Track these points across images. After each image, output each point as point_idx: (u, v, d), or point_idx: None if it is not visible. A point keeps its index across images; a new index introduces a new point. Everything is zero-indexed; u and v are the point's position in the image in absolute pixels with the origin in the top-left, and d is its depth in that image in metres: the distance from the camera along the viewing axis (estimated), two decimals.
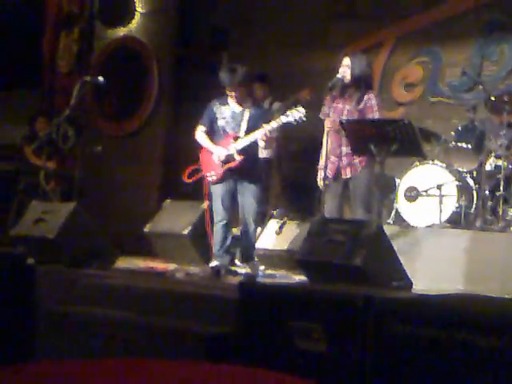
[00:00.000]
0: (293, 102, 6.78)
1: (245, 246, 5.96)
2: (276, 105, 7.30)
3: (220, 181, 5.84)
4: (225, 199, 5.83)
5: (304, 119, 5.55)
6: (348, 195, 5.70)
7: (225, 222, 5.85)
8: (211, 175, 5.83)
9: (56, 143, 8.20)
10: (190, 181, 6.03)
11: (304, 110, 5.57)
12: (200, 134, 5.96)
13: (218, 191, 5.87)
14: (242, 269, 5.97)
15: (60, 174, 8.35)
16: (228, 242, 5.85)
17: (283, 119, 5.60)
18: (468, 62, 7.71)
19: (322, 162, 5.64)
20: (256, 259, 6.04)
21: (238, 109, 5.85)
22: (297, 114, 5.55)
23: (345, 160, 5.61)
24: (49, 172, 7.92)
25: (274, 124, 5.64)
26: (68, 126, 8.38)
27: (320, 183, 5.61)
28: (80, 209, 5.91)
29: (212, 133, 5.93)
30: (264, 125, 5.67)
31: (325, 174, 5.52)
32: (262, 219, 6.83)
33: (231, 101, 5.87)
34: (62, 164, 8.45)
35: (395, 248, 4.93)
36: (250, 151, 5.79)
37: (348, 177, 5.61)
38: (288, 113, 5.59)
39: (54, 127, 7.44)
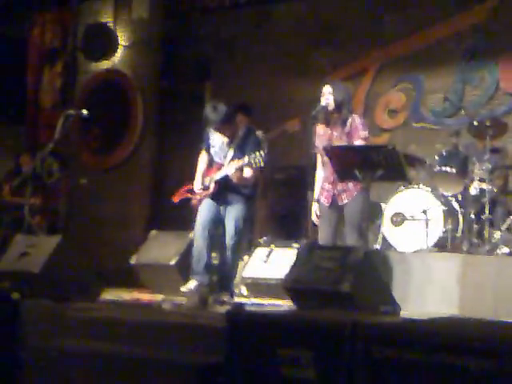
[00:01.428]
0: (280, 131, 6.78)
1: (221, 274, 5.85)
2: (259, 133, 7.30)
3: (200, 203, 5.82)
4: (205, 219, 5.76)
5: (261, 164, 5.52)
6: (342, 222, 5.68)
7: (202, 238, 5.75)
8: (195, 198, 5.85)
9: (41, 178, 8.17)
10: (177, 200, 6.00)
11: (263, 154, 5.53)
12: (200, 159, 5.98)
13: (201, 212, 5.80)
14: (225, 297, 5.84)
15: (45, 208, 8.30)
16: (205, 258, 5.71)
17: (246, 160, 5.58)
18: (450, 87, 7.78)
19: (316, 195, 5.66)
20: (234, 288, 5.95)
21: (225, 139, 5.84)
22: (258, 157, 5.53)
23: (340, 186, 5.60)
24: (34, 207, 7.87)
25: (238, 163, 5.62)
26: (52, 160, 8.36)
27: (314, 217, 5.62)
28: (65, 242, 5.84)
29: (210, 159, 5.95)
30: (233, 162, 5.66)
31: (319, 205, 5.56)
32: (248, 247, 6.80)
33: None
34: (47, 198, 8.40)
35: (383, 273, 4.92)
36: (231, 180, 5.74)
37: (345, 202, 5.60)
38: (252, 155, 5.56)
39: (38, 162, 7.41)
